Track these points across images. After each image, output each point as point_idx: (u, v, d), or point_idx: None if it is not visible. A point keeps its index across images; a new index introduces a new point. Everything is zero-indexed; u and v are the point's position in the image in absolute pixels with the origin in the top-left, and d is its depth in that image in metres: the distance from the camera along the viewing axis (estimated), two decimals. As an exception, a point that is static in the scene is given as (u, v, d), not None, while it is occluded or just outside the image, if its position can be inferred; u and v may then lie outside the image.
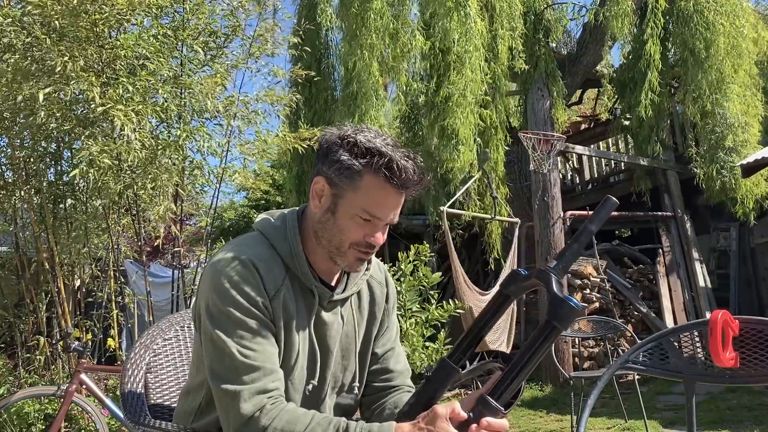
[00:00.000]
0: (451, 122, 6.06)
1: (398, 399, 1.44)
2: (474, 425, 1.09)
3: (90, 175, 3.81)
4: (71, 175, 3.79)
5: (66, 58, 3.74)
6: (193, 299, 1.47)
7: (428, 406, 1.16)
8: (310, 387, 1.36)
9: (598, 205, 1.21)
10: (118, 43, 4.08)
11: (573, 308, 1.08)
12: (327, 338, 1.37)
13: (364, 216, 1.28)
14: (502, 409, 1.10)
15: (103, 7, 3.93)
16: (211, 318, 1.26)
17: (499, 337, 5.86)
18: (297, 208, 1.42)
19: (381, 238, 1.31)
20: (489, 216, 6.66)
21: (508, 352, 5.88)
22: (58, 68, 3.70)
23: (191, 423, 1.42)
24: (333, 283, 1.39)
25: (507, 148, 6.86)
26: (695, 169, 7.48)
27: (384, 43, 5.95)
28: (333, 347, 1.39)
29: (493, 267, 6.81)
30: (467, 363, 1.22)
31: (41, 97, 3.67)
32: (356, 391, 1.44)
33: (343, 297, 1.39)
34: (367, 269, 1.44)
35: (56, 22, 3.88)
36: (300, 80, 5.10)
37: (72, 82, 3.81)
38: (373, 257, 1.47)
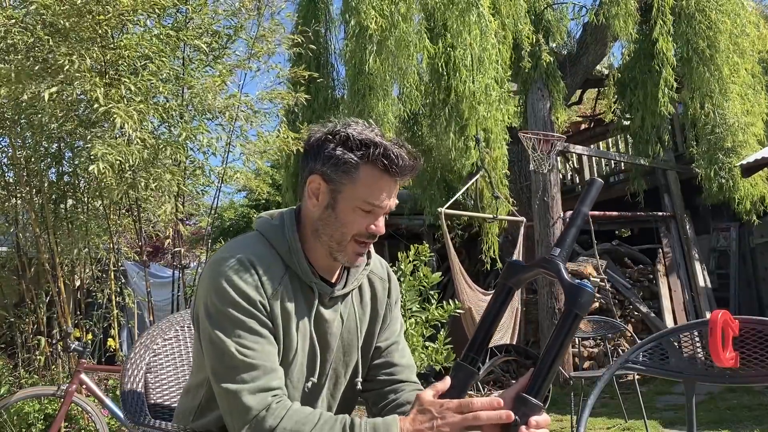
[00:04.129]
0: (473, 120, 6.08)
1: (410, 397, 1.42)
2: (523, 427, 1.10)
3: (106, 172, 3.81)
4: (90, 169, 3.79)
5: (74, 57, 3.75)
6: (192, 299, 1.47)
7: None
8: (309, 384, 1.37)
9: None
10: (122, 43, 4.09)
11: (590, 293, 1.11)
12: (327, 335, 1.38)
13: (365, 207, 1.29)
14: (542, 404, 1.11)
15: (107, 7, 3.94)
16: (210, 318, 1.26)
17: (504, 333, 5.85)
18: (294, 207, 1.43)
19: (383, 226, 1.33)
20: (491, 216, 6.65)
21: (512, 342, 5.86)
22: (66, 67, 3.71)
23: (191, 422, 1.42)
24: (333, 280, 1.40)
25: (507, 146, 6.87)
26: (696, 170, 7.48)
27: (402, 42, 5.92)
28: (333, 344, 1.39)
29: (488, 267, 6.80)
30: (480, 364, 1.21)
31: (47, 96, 3.68)
32: (358, 386, 1.44)
33: (343, 293, 1.40)
34: (367, 264, 1.45)
35: (62, 21, 3.88)
36: (302, 81, 5.10)
37: (76, 82, 3.81)
38: (374, 254, 1.48)
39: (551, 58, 7.37)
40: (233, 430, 1.22)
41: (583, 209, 1.18)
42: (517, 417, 1.10)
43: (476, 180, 6.55)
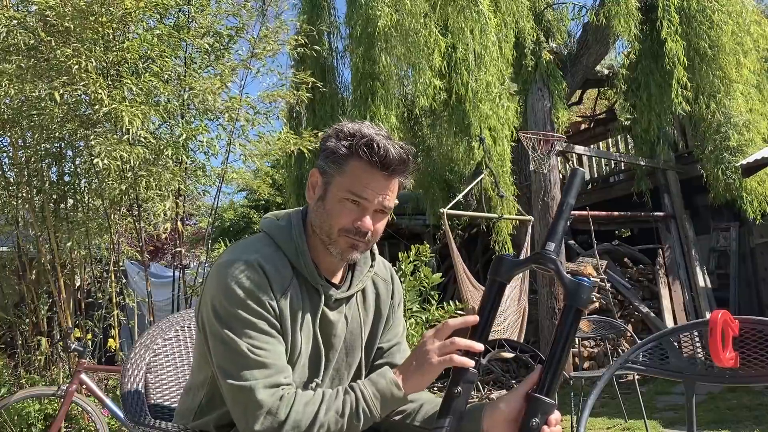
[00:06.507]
0: (475, 119, 6.07)
1: (411, 396, 1.41)
2: (545, 427, 1.10)
3: (110, 167, 3.83)
4: (95, 162, 3.81)
5: (82, 57, 3.76)
6: (197, 299, 1.46)
7: (462, 419, 1.15)
8: (313, 384, 1.37)
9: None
10: (125, 45, 4.09)
11: (588, 288, 1.11)
12: (332, 337, 1.38)
13: (350, 198, 1.29)
14: (555, 402, 1.12)
15: (110, 9, 3.94)
16: (220, 319, 1.26)
17: (512, 332, 5.82)
18: (301, 208, 1.43)
19: (369, 223, 1.30)
20: (495, 216, 6.62)
21: (518, 339, 5.83)
22: (75, 67, 3.72)
23: (192, 421, 1.42)
24: (337, 282, 1.40)
25: (512, 144, 6.85)
26: (701, 170, 7.47)
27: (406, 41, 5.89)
28: (337, 345, 1.40)
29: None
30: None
31: (57, 97, 3.71)
32: None
33: (348, 295, 1.40)
34: (371, 267, 1.45)
35: (67, 23, 3.88)
36: (306, 87, 5.09)
37: (81, 83, 3.82)
38: (378, 256, 1.48)
39: (555, 54, 7.36)
40: (246, 425, 1.21)
41: (569, 200, 1.17)
42: (537, 419, 1.11)
43: (480, 180, 6.52)
